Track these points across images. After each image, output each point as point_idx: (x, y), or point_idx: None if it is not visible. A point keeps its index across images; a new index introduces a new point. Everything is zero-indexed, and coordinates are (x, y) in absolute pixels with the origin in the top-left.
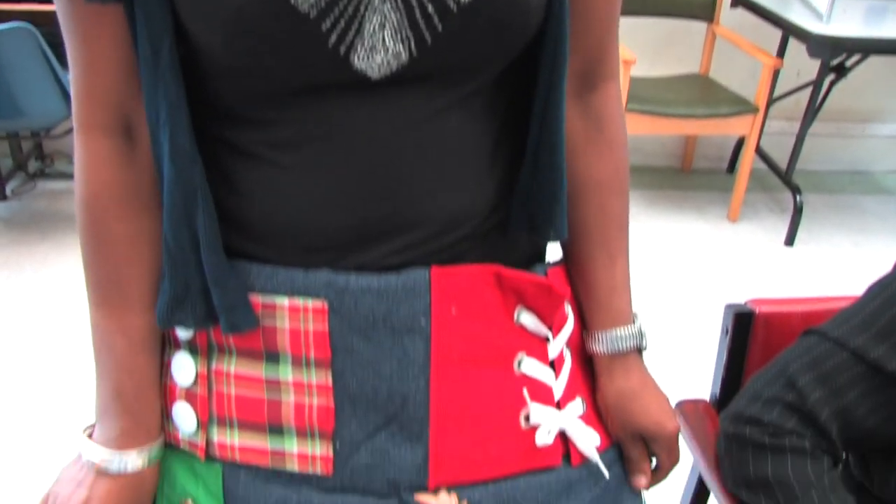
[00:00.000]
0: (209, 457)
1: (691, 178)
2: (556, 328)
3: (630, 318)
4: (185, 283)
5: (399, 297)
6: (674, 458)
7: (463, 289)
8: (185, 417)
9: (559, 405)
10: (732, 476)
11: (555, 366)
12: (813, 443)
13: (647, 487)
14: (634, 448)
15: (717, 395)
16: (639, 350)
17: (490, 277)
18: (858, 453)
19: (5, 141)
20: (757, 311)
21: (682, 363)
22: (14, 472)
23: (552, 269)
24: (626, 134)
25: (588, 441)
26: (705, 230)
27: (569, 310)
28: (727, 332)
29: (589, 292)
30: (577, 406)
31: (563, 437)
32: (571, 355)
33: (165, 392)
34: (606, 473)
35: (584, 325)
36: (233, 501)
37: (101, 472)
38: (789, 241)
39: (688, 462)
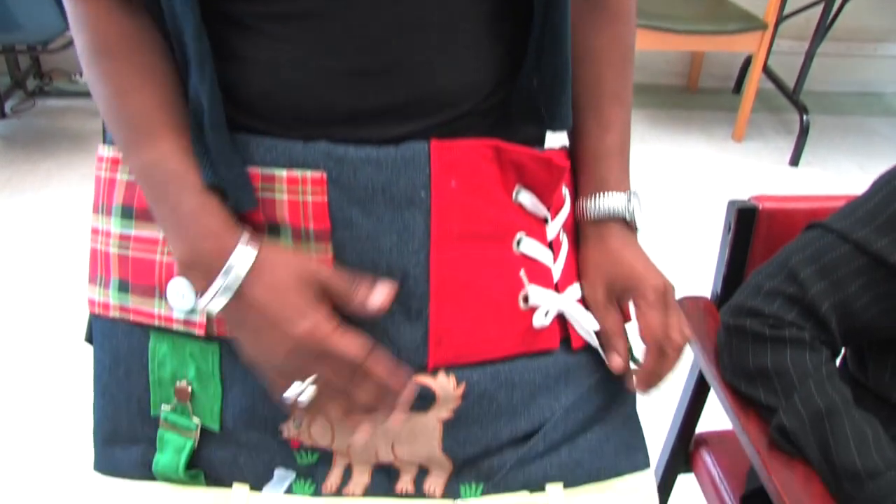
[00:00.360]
0: (208, 334)
1: (697, 97)
2: (553, 210)
3: (618, 188)
4: (201, 154)
5: (398, 169)
6: (672, 322)
7: (462, 162)
8: (182, 294)
9: (557, 288)
10: (731, 367)
11: (552, 248)
12: (812, 334)
13: (622, 370)
14: (609, 316)
15: (719, 292)
16: (625, 222)
17: (489, 151)
18: (855, 347)
19: (1, 57)
20: (760, 207)
21: (684, 275)
22: (15, 396)
23: (552, 152)
24: (634, 8)
25: (587, 325)
26: (710, 150)
27: (566, 193)
28: (730, 228)
29: (578, 160)
30: (575, 290)
31: (561, 322)
32: (568, 241)
33: (161, 269)
34: (602, 353)
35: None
36: (231, 378)
37: (255, 277)
38: (794, 161)
39: (688, 358)
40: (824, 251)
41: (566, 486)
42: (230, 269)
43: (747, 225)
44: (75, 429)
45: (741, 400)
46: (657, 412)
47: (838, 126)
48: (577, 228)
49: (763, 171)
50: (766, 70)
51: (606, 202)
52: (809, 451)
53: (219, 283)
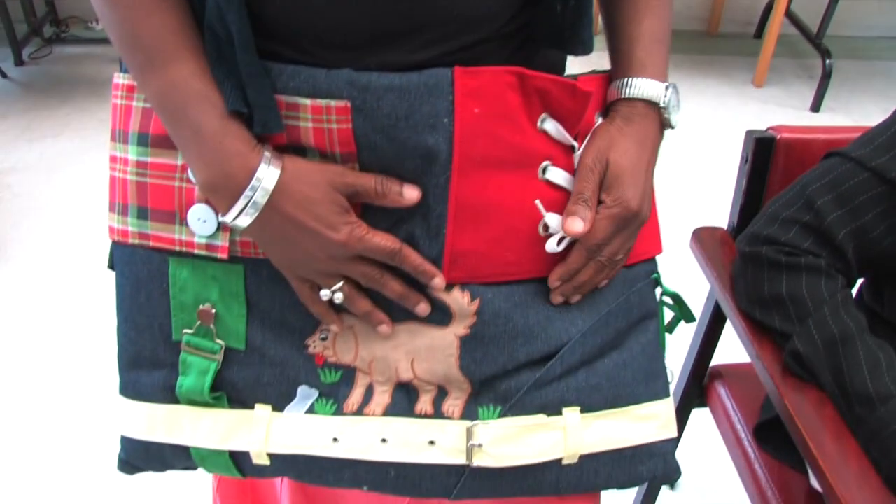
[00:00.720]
0: (232, 256)
1: (717, 42)
2: (582, 137)
3: (655, 75)
4: (222, 79)
5: (421, 95)
6: (615, 243)
7: (486, 89)
8: (204, 219)
9: None
10: (747, 295)
11: None
12: (828, 262)
13: (573, 233)
14: (585, 179)
15: (735, 222)
16: (657, 113)
17: (513, 79)
18: (872, 277)
19: (18, 4)
20: (778, 137)
21: (701, 212)
22: (46, 328)
23: (580, 77)
24: None
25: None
26: (729, 94)
27: (598, 120)
28: (747, 159)
29: (612, 45)
30: None
31: None
32: None
33: (181, 195)
34: (616, 291)
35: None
36: (255, 298)
37: (284, 192)
38: (815, 107)
39: (704, 289)
40: (842, 179)
41: (583, 410)
42: (257, 186)
43: (765, 155)
44: (107, 356)
45: (756, 327)
46: (672, 345)
47: (863, 71)
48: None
49: (784, 116)
50: (789, 14)
51: (642, 85)
52: (822, 376)
53: (245, 199)
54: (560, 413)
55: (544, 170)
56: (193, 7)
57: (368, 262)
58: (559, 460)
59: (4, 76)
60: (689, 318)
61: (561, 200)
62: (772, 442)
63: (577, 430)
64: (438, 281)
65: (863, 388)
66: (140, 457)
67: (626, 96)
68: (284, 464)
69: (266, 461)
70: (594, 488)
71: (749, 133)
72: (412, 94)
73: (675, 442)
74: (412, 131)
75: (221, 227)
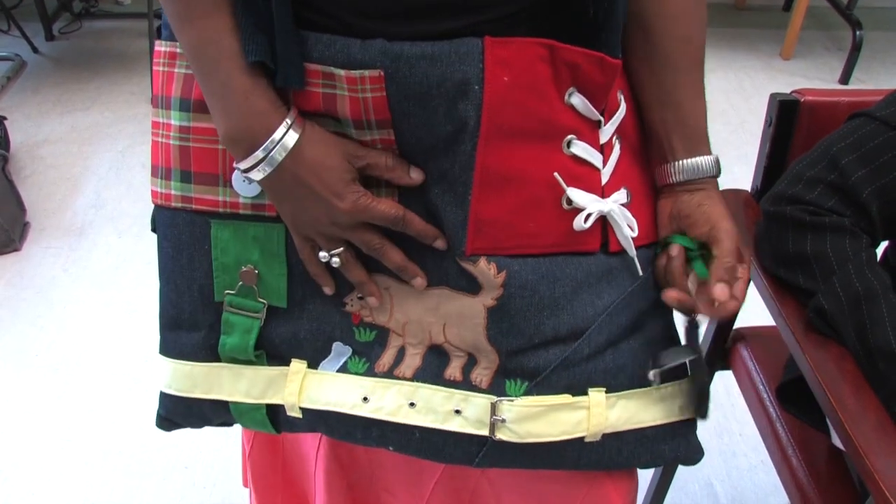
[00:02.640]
0: (277, 214)
1: (745, 15)
2: (607, 114)
3: (706, 151)
4: (252, 31)
5: (453, 63)
6: (743, 270)
7: (515, 59)
8: (248, 180)
9: (604, 192)
10: (771, 254)
11: (603, 152)
12: (852, 221)
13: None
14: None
15: (759, 185)
16: (712, 180)
17: (543, 50)
18: None
19: None
20: (802, 100)
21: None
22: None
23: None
24: None
25: (626, 230)
26: (756, 67)
27: (621, 98)
28: (771, 122)
29: (666, 121)
30: (621, 195)
31: (602, 227)
32: (621, 146)
33: (224, 158)
34: (639, 268)
35: (662, 157)
36: (296, 257)
37: (300, 155)
38: (844, 79)
39: None
40: (866, 138)
41: (608, 391)
42: (272, 147)
43: (789, 118)
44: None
45: (779, 286)
46: None
47: (894, 42)
48: (640, 142)
49: (811, 88)
50: None
51: (698, 162)
52: (846, 333)
53: (262, 154)
54: (585, 393)
55: (569, 143)
56: None
57: (371, 231)
58: (581, 438)
59: (36, 51)
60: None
61: (584, 175)
62: (794, 402)
63: (602, 410)
64: (441, 243)
65: (886, 344)
66: (180, 413)
67: (684, 179)
68: (315, 418)
69: (298, 414)
70: (616, 466)
71: (773, 96)
72: (444, 61)
73: (696, 423)
74: (443, 98)
75: None
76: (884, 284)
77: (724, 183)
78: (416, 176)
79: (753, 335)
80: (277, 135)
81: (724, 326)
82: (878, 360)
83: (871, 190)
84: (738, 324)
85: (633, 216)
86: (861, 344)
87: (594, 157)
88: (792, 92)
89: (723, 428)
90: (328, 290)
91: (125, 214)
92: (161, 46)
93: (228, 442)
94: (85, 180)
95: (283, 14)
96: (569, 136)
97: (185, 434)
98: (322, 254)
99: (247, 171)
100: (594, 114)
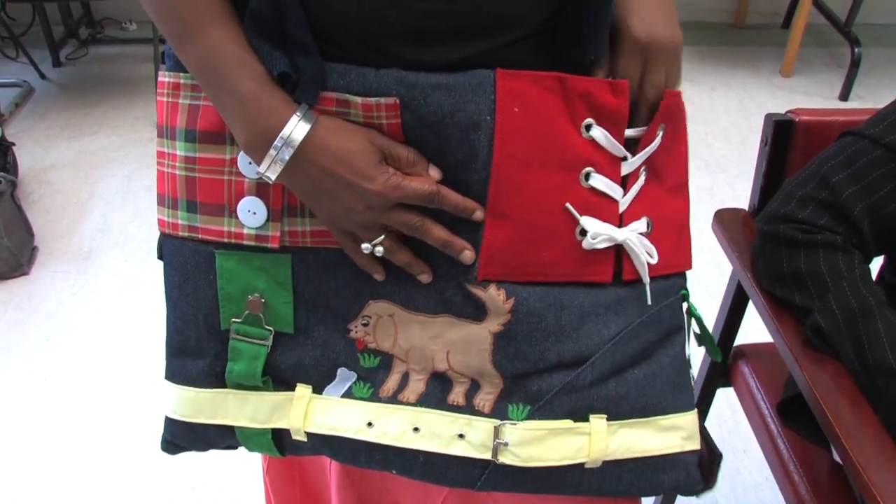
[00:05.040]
0: (281, 246)
1: (744, 33)
2: (641, 145)
3: None
4: (268, 50)
5: (465, 94)
6: (652, 75)
7: (526, 91)
8: (254, 211)
9: (622, 220)
10: (767, 273)
11: (626, 181)
12: (845, 238)
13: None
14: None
15: (756, 204)
16: None
17: (553, 83)
18: (890, 253)
19: (56, 7)
20: (797, 120)
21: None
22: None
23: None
24: None
25: (642, 257)
26: (756, 85)
27: (660, 133)
28: (767, 142)
29: None
30: (640, 224)
31: (616, 256)
32: (648, 175)
33: (230, 188)
34: (648, 298)
35: None
36: (301, 285)
37: (319, 146)
38: (843, 96)
39: (727, 270)
40: (857, 156)
41: (610, 418)
42: (284, 137)
43: (784, 138)
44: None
45: (776, 304)
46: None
47: (892, 59)
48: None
49: (811, 106)
50: (816, 2)
51: None
52: (843, 350)
53: (273, 153)
54: (587, 419)
55: (587, 176)
56: None
57: (408, 210)
58: (582, 463)
59: (43, 77)
60: (713, 350)
61: (601, 206)
62: (794, 419)
63: (603, 437)
64: (479, 213)
65: (883, 359)
66: (184, 437)
67: None
68: (320, 442)
69: (303, 438)
70: (616, 494)
71: (769, 116)
72: (457, 92)
73: (698, 455)
74: (456, 127)
75: (271, 217)
76: (879, 300)
77: (726, 200)
78: (434, 173)
79: (754, 352)
80: (287, 129)
81: (724, 343)
82: (876, 375)
83: (862, 206)
84: (738, 340)
85: (654, 245)
86: (859, 360)
87: (613, 190)
88: (787, 112)
89: (727, 445)
90: (378, 277)
91: (131, 238)
92: (165, 77)
93: (235, 462)
94: (92, 205)
95: (302, 34)
96: (587, 168)
97: (192, 455)
98: (365, 245)
99: (266, 170)
100: (619, 149)
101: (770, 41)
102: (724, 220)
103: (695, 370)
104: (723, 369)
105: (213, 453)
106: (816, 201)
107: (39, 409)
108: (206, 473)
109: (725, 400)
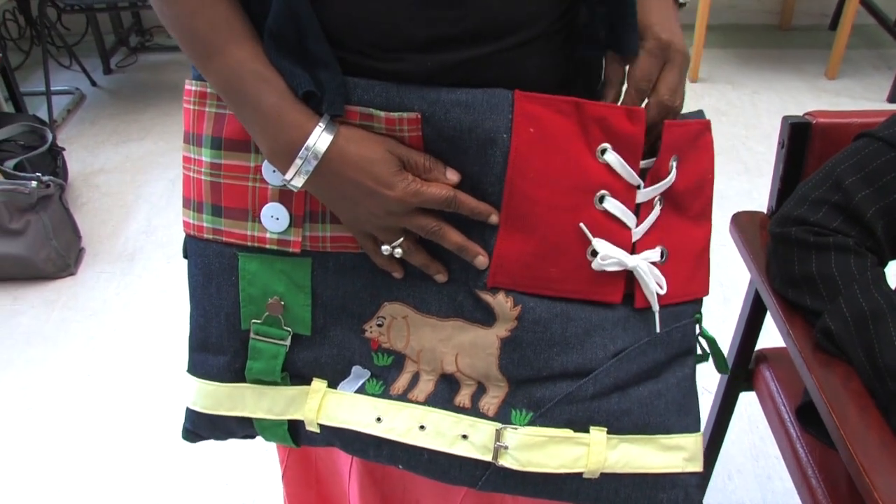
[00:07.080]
0: (302, 250)
1: (789, 36)
2: (651, 178)
3: None
4: (289, 68)
5: (484, 112)
6: (666, 79)
7: (542, 113)
8: (277, 217)
9: (634, 249)
10: (779, 275)
11: (640, 211)
12: (858, 240)
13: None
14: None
15: (773, 207)
16: None
17: (569, 107)
18: None
19: (107, 17)
20: (814, 122)
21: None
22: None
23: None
24: None
25: (652, 286)
26: (800, 88)
27: (674, 165)
28: (783, 144)
29: None
30: (654, 254)
31: (628, 279)
32: (664, 206)
33: (254, 194)
34: (657, 326)
35: None
36: (320, 288)
37: (341, 155)
38: (892, 98)
39: (745, 278)
40: (870, 158)
41: (610, 431)
42: (309, 148)
43: (801, 140)
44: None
45: (788, 307)
46: (718, 330)
47: None
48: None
49: (857, 107)
50: (865, 2)
51: None
52: (853, 353)
53: (300, 160)
54: (587, 430)
55: (601, 199)
56: (247, 4)
57: (426, 215)
58: (580, 473)
59: (94, 84)
60: (722, 365)
61: (614, 230)
62: (814, 423)
63: (601, 449)
64: (495, 217)
65: (894, 363)
66: (204, 427)
67: None
68: (332, 434)
69: (316, 429)
70: None
71: (785, 119)
72: (476, 109)
73: (700, 477)
74: (474, 143)
75: (294, 222)
76: (890, 303)
77: (765, 205)
78: (452, 176)
79: (775, 356)
80: (312, 140)
81: (744, 347)
82: (887, 378)
83: (875, 209)
84: (760, 345)
85: (667, 274)
86: (870, 363)
87: (627, 217)
88: (805, 114)
89: (759, 451)
90: (398, 276)
91: (174, 240)
92: (191, 86)
93: (267, 458)
94: (137, 207)
95: (322, 49)
96: (601, 192)
97: (226, 451)
98: (384, 247)
99: (292, 179)
100: (633, 177)
101: (816, 43)
102: (742, 223)
103: (712, 379)
104: (745, 373)
105: (246, 450)
106: (830, 204)
107: (82, 403)
108: (239, 469)
109: (756, 405)
